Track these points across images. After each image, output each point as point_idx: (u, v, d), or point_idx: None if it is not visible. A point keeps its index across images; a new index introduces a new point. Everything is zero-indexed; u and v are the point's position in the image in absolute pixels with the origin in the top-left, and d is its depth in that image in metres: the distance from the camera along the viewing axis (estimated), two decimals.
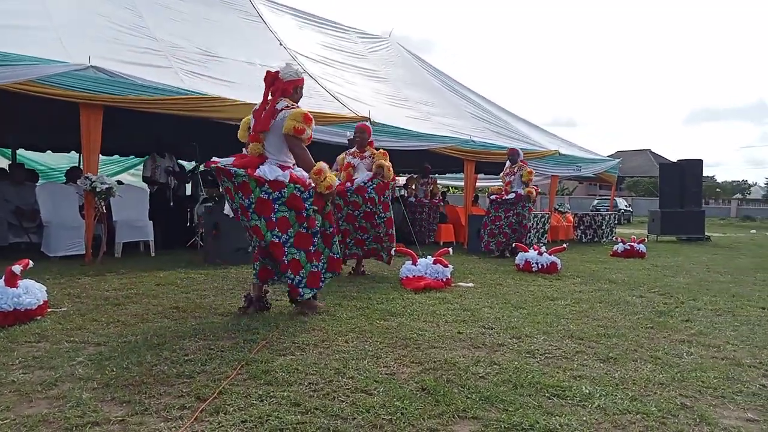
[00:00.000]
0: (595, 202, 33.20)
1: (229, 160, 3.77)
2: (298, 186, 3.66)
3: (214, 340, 3.16)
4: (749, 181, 65.38)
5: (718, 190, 57.09)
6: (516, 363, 2.81)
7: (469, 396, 2.32)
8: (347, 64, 11.73)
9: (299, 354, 2.92)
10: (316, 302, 4.02)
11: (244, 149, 3.99)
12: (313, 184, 3.70)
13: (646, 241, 10.24)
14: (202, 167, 11.56)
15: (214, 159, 3.75)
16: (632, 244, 9.41)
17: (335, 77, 10.56)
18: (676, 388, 2.51)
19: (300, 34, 11.65)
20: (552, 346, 3.22)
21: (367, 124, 7.56)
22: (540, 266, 6.80)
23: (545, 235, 11.54)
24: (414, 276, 5.36)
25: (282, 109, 3.68)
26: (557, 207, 14.68)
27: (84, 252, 6.51)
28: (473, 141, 10.60)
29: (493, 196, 8.99)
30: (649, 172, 56.28)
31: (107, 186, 6.39)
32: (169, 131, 8.91)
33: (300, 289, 3.76)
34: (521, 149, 9.42)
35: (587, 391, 2.40)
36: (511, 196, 8.62)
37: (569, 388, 2.43)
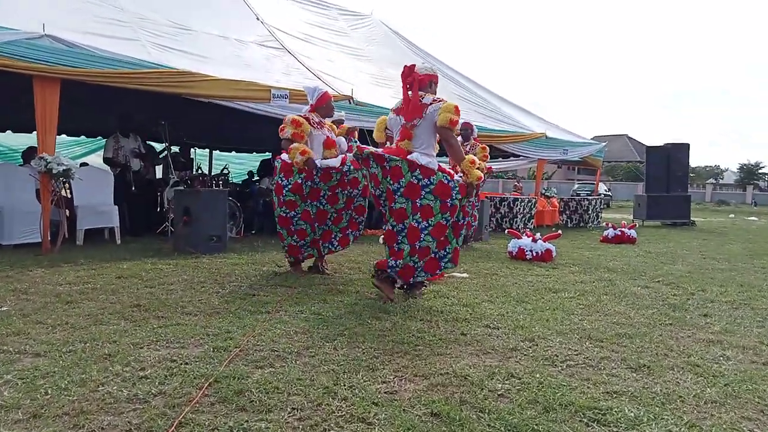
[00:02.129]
0: (576, 186, 33.10)
1: (378, 150, 3.99)
2: (445, 175, 3.79)
3: (178, 347, 2.67)
4: (721, 166, 66.38)
5: (692, 174, 57.83)
6: (537, 375, 2.39)
7: (492, 425, 1.88)
8: (328, 42, 11.14)
9: (280, 366, 2.45)
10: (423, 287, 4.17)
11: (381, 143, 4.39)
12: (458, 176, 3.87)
13: (637, 226, 9.97)
14: (176, 149, 10.97)
15: (364, 146, 3.99)
16: (623, 229, 9.13)
17: (316, 54, 9.97)
18: (733, 407, 2.12)
19: (278, 8, 11.00)
20: (571, 351, 2.81)
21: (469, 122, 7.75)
22: (534, 254, 6.44)
23: (531, 220, 11.22)
24: None
25: (430, 103, 3.83)
26: (543, 191, 14.37)
27: (41, 240, 5.92)
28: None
29: None
30: (626, 157, 56.66)
31: (64, 167, 5.78)
32: (136, 108, 8.25)
33: (417, 273, 3.89)
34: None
35: (632, 415, 1.98)
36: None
37: (609, 411, 2.01)
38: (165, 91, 6.70)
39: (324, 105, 4.99)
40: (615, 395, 2.20)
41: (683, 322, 3.59)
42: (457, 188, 3.79)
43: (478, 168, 3.90)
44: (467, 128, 7.58)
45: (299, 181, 4.67)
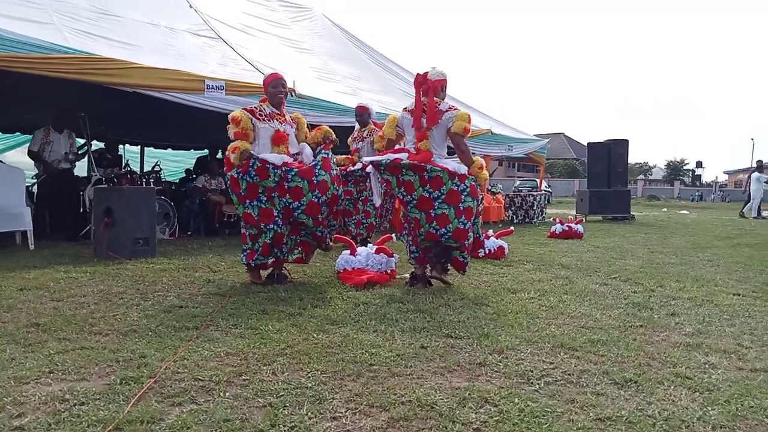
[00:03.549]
0: (517, 183, 33.62)
1: (400, 155, 4.14)
2: (472, 177, 4.16)
3: (77, 380, 2.15)
4: (649, 163, 69.62)
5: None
6: (515, 399, 2.03)
7: None
8: (268, 33, 10.56)
9: (204, 401, 1.98)
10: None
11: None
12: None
13: (584, 221, 9.98)
14: (101, 145, 10.09)
15: (395, 157, 4.11)
16: (570, 224, 9.09)
17: (254, 45, 9.38)
18: (743, 430, 1.83)
19: None
20: (546, 364, 2.48)
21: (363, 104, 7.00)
22: (487, 251, 6.17)
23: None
24: (353, 269, 4.50)
25: (446, 110, 4.15)
26: (489, 187, 14.31)
27: None
28: None
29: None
30: (563, 155, 58.44)
31: None
32: (54, 100, 7.45)
33: (466, 265, 4.37)
34: None
35: None
36: (359, 166, 6.33)
37: None
38: (86, 80, 6.01)
39: (266, 92, 4.33)
40: (608, 422, 1.86)
41: (653, 323, 3.36)
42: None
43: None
44: (363, 112, 6.76)
45: (235, 175, 4.09)
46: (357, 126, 6.88)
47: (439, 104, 4.18)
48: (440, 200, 4.06)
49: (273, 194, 4.09)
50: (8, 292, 3.78)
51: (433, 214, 4.08)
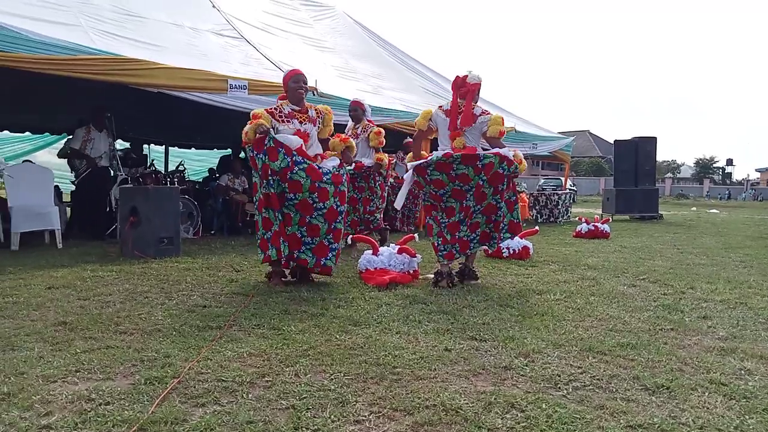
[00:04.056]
0: (541, 181, 33.25)
1: (441, 153, 4.33)
2: (516, 165, 4.37)
3: (102, 379, 2.16)
4: (678, 161, 68.18)
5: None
6: (542, 404, 1.97)
7: None
8: (290, 32, 10.59)
9: (227, 402, 1.97)
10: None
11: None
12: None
13: (610, 221, 9.79)
14: (127, 145, 10.23)
15: (446, 152, 4.31)
16: (596, 224, 8.93)
17: (276, 45, 9.42)
18: None
19: None
20: (574, 368, 2.41)
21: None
22: (511, 251, 6.08)
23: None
24: (376, 269, 4.47)
25: (480, 114, 4.41)
26: None
27: None
28: None
29: None
30: (588, 153, 57.58)
31: None
32: (86, 100, 7.58)
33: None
34: None
35: None
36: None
37: None
38: (111, 80, 6.09)
39: (286, 89, 4.26)
40: (640, 430, 1.80)
41: (684, 326, 3.26)
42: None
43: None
44: (358, 107, 6.40)
45: (251, 154, 4.03)
46: (350, 123, 6.47)
47: (473, 108, 4.41)
48: (486, 184, 4.29)
49: (275, 177, 3.97)
50: (37, 290, 3.85)
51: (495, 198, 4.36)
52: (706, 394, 2.13)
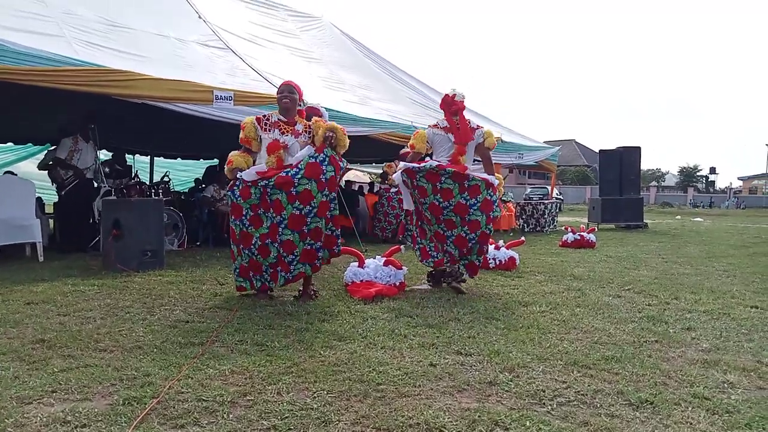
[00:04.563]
0: (528, 190, 33.45)
1: (435, 163, 4.52)
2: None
3: (79, 400, 2.12)
4: (662, 169, 68.88)
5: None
6: (526, 422, 1.96)
7: None
8: (276, 43, 10.58)
9: (207, 422, 1.93)
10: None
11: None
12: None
13: (596, 230, 9.85)
14: (110, 155, 10.13)
15: (439, 164, 4.50)
16: (582, 233, 8.99)
17: (263, 56, 9.41)
18: None
19: (221, 7, 10.36)
20: (558, 383, 2.41)
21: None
22: (498, 262, 6.09)
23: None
24: (362, 281, 4.45)
25: (476, 128, 4.73)
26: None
27: None
28: (415, 127, 9.76)
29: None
30: (574, 162, 58.06)
31: None
32: (66, 111, 7.50)
33: (479, 268, 4.80)
34: None
35: None
36: None
37: None
38: (96, 92, 6.02)
39: (277, 98, 4.23)
40: None
41: (668, 338, 3.27)
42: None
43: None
44: (313, 113, 6.51)
45: (228, 192, 4.25)
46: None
47: (469, 122, 4.69)
48: (475, 207, 4.42)
49: (259, 211, 4.01)
50: (15, 306, 3.77)
51: (467, 219, 4.45)
52: (690, 408, 2.13)
